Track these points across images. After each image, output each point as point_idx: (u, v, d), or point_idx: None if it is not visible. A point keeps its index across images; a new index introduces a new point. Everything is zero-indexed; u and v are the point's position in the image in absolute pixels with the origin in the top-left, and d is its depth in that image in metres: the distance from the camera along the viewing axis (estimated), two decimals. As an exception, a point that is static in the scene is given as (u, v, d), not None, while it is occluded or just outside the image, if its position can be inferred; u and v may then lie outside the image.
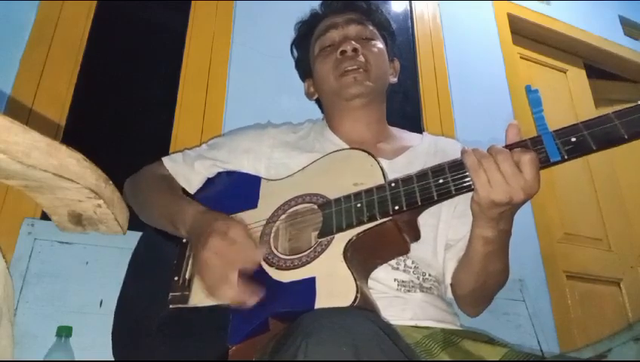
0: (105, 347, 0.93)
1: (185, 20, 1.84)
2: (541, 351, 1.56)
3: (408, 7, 2.36)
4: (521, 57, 2.69)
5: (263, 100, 1.77)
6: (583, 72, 2.89)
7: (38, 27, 1.58)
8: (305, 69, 1.21)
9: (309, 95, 1.22)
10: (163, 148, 1.61)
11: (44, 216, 1.26)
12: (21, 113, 1.45)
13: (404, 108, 2.07)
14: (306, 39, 1.19)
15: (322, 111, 1.23)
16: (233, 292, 0.77)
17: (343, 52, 1.06)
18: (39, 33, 1.57)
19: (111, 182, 0.65)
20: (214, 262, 0.79)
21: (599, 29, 2.88)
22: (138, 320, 0.93)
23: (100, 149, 1.46)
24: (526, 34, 2.74)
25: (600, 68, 2.98)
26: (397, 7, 2.34)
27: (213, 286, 0.79)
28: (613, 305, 2.33)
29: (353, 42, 1.07)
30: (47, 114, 1.49)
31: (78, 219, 0.67)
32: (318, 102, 1.22)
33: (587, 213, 2.48)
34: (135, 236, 1.08)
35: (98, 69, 1.66)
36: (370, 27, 1.14)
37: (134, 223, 0.90)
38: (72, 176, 0.57)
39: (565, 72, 2.84)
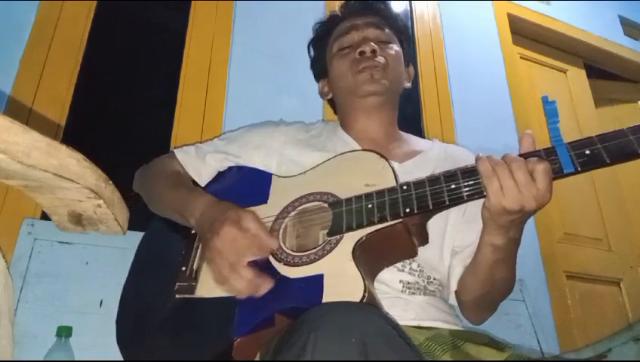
0: (105, 347, 0.93)
1: (185, 20, 1.84)
2: (541, 351, 1.56)
3: (408, 7, 2.36)
4: (521, 57, 2.69)
5: (263, 100, 1.77)
6: (583, 72, 2.89)
7: (38, 27, 1.58)
8: (320, 69, 1.21)
9: (323, 94, 1.22)
10: (163, 148, 1.61)
11: (44, 216, 1.26)
12: (21, 113, 1.45)
13: (404, 108, 2.06)
14: (323, 40, 1.19)
15: (335, 112, 1.23)
16: (245, 282, 0.77)
17: (362, 52, 1.07)
18: (39, 33, 1.57)
19: (111, 182, 0.65)
20: (228, 251, 0.79)
21: (599, 29, 2.88)
22: (144, 309, 0.93)
23: (100, 149, 1.46)
24: (526, 34, 2.74)
25: (600, 68, 2.98)
26: (397, 7, 2.34)
27: (224, 275, 0.79)
28: (613, 305, 2.32)
29: (372, 43, 1.07)
30: (47, 114, 1.49)
31: (78, 219, 0.67)
32: (331, 102, 1.22)
33: (587, 213, 2.48)
34: (135, 236, 1.08)
35: (98, 69, 1.66)
36: (388, 31, 1.14)
37: (134, 223, 0.90)
38: (72, 176, 0.57)
39: (565, 72, 2.84)
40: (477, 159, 0.76)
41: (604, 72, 3.01)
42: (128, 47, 1.75)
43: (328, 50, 1.17)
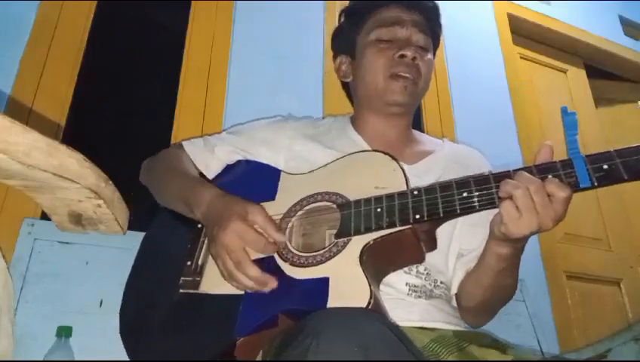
0: (105, 347, 0.93)
1: (185, 20, 1.84)
2: (541, 351, 1.56)
3: (408, 7, 2.36)
4: (521, 57, 2.69)
5: (263, 100, 1.77)
6: (583, 72, 2.89)
7: (38, 27, 1.58)
8: (345, 45, 1.14)
9: (339, 72, 1.16)
10: (163, 148, 1.61)
11: (44, 216, 1.26)
12: (21, 113, 1.45)
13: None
14: (360, 16, 1.12)
15: (349, 97, 1.19)
16: (251, 279, 0.77)
17: (403, 56, 1.03)
18: (39, 33, 1.57)
19: (111, 182, 0.65)
20: (234, 246, 0.79)
21: (599, 29, 2.88)
22: (147, 303, 0.93)
23: (100, 149, 1.46)
24: (526, 34, 2.73)
25: (600, 68, 2.98)
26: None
27: (231, 271, 0.79)
28: (613, 305, 2.32)
29: (414, 48, 1.04)
30: (47, 114, 1.49)
31: (78, 219, 0.67)
32: (346, 85, 1.18)
33: (587, 213, 2.47)
34: (135, 236, 1.08)
35: (98, 69, 1.66)
36: (428, 36, 1.10)
37: (134, 223, 0.90)
38: (72, 176, 0.57)
39: (565, 72, 2.83)
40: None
41: (604, 72, 3.01)
42: (128, 47, 1.75)
43: (363, 32, 1.10)
